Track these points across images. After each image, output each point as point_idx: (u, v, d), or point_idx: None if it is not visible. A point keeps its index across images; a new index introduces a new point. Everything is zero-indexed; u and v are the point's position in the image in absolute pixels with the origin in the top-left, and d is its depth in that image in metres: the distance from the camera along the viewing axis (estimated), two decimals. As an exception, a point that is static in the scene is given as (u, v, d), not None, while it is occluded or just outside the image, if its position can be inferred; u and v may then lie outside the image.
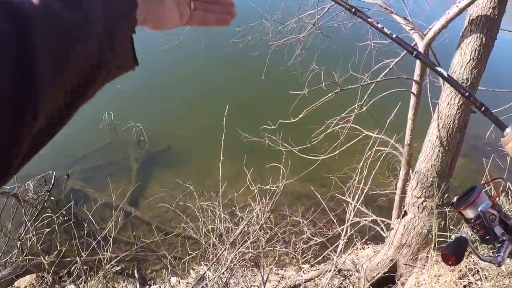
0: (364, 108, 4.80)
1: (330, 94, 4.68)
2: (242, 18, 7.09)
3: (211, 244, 4.95)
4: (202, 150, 7.84)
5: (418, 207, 4.31)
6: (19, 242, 5.12)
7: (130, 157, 7.85)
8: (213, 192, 5.72)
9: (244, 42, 6.86)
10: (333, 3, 5.11)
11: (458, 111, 3.80)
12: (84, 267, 4.90)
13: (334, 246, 4.85)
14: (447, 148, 4.01)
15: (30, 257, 5.09)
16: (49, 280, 4.99)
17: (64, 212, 5.67)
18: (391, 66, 5.01)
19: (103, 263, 4.90)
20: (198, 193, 5.84)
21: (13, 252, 5.25)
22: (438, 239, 4.22)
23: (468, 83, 3.61)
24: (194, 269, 5.56)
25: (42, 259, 4.91)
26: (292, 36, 6.21)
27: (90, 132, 8.10)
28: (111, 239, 5.09)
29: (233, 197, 5.70)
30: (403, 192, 4.77)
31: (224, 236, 5.08)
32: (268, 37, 6.46)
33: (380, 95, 4.55)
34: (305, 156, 5.49)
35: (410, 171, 4.71)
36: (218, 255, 4.73)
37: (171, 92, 9.63)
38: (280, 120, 5.37)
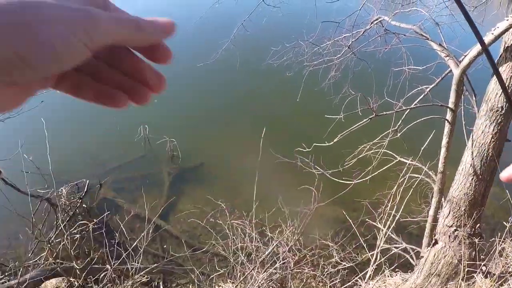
0: (398, 135, 4.89)
1: (365, 120, 4.76)
2: (278, 39, 7.35)
3: (240, 262, 5.11)
4: (234, 168, 8.02)
5: (449, 236, 4.36)
6: (48, 245, 5.39)
7: (162, 171, 8.11)
8: (244, 211, 5.90)
9: (279, 62, 7.06)
10: (369, 27, 5.30)
11: (493, 140, 3.84)
12: (113, 275, 5.13)
13: (363, 272, 4.92)
14: (480, 176, 4.05)
15: (60, 260, 5.38)
16: (78, 285, 5.25)
17: (96, 220, 5.94)
18: (426, 93, 5.10)
19: (131, 273, 5.12)
20: (229, 211, 6.01)
21: (42, 255, 5.57)
22: (468, 268, 4.25)
23: (503, 112, 3.68)
24: (221, 286, 5.67)
25: (75, 264, 5.16)
26: (327, 58, 6.38)
27: (125, 144, 8.47)
28: (141, 250, 5.31)
29: (264, 217, 5.84)
30: (435, 220, 4.80)
31: (253, 255, 5.23)
32: (304, 58, 6.64)
33: (415, 122, 4.63)
34: (337, 180, 5.59)
35: (443, 199, 4.76)
36: (246, 274, 4.85)
37: (206, 110, 9.89)
38: (314, 144, 5.48)
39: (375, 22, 5.88)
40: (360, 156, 5.46)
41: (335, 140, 5.13)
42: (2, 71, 0.40)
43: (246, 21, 6.52)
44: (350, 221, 5.46)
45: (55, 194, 6.22)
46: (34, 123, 6.74)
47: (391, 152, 5.23)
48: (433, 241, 4.55)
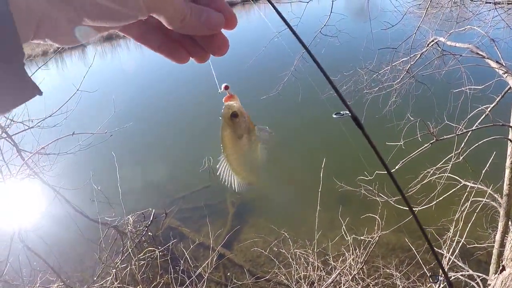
0: (461, 158, 4.77)
1: (426, 145, 4.71)
2: (337, 68, 7.43)
3: (302, 291, 5.10)
4: (298, 197, 8.04)
5: (519, 263, 4.14)
6: (114, 270, 5.66)
7: (226, 201, 8.29)
8: (307, 240, 5.93)
9: (340, 91, 7.11)
10: (426, 49, 5.26)
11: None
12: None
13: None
14: (549, 199, 3.87)
15: (125, 286, 5.63)
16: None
17: (162, 247, 6.16)
18: (486, 113, 4.94)
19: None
20: (292, 240, 6.04)
21: (107, 278, 5.86)
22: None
23: None
24: (284, 314, 5.70)
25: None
26: (386, 84, 6.37)
27: (190, 175, 8.80)
28: (205, 278, 5.45)
29: (327, 246, 5.83)
30: (501, 245, 4.58)
31: (315, 284, 5.21)
32: (363, 86, 6.67)
33: (476, 144, 4.51)
34: (401, 207, 5.48)
35: (510, 222, 4.54)
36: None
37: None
38: (376, 171, 5.44)
39: (431, 44, 5.83)
40: (424, 181, 5.35)
41: (396, 168, 5.07)
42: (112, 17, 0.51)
43: (305, 53, 6.65)
44: (414, 249, 5.31)
45: (122, 222, 6.57)
46: (102, 156, 7.22)
47: (455, 176, 5.08)
48: (500, 268, 4.31)
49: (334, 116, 1.28)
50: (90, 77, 5.65)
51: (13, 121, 4.97)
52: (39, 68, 5.13)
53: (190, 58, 0.68)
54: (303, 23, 6.06)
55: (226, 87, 0.99)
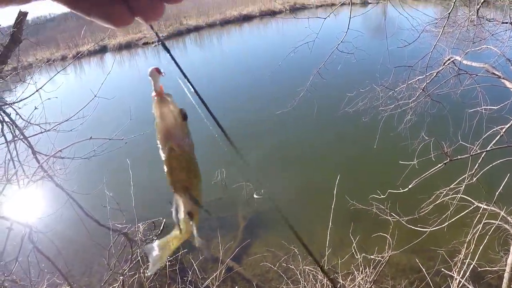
0: (475, 179, 4.70)
1: (439, 165, 4.66)
2: (353, 85, 7.43)
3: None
4: (309, 214, 8.00)
5: (531, 288, 4.04)
6: (121, 277, 5.68)
7: (238, 214, 8.28)
8: (317, 256, 5.85)
9: (355, 108, 7.11)
10: (442, 68, 5.23)
11: None
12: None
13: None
14: None
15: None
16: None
17: (171, 257, 6.16)
18: (501, 134, 4.87)
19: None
20: (302, 257, 6.00)
21: (114, 285, 5.90)
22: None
23: None
24: (290, 331, 5.64)
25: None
26: (402, 101, 6.35)
27: (203, 187, 8.78)
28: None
29: (337, 264, 5.77)
30: (513, 269, 4.48)
31: (323, 302, 5.17)
32: (379, 103, 6.65)
33: (491, 165, 4.44)
34: (413, 227, 5.42)
35: (522, 246, 4.45)
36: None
37: (283, 156, 10.08)
38: (389, 190, 5.40)
39: (447, 63, 5.81)
40: (437, 202, 5.28)
41: (409, 187, 5.03)
42: None
43: (321, 68, 6.67)
44: (424, 271, 5.22)
45: (132, 229, 6.59)
46: (116, 162, 7.29)
47: (468, 197, 4.99)
48: (511, 292, 4.22)
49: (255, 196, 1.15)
50: (107, 84, 5.74)
51: (30, 123, 5.06)
52: (58, 72, 5.22)
53: (135, 17, 0.55)
54: (320, 39, 6.08)
55: (159, 72, 0.74)
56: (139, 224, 6.82)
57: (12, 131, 4.83)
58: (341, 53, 6.25)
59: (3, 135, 4.83)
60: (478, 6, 5.53)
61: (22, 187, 4.85)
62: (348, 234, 5.92)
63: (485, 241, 4.80)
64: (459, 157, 4.63)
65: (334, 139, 10.19)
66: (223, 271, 6.08)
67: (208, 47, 27.51)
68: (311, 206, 8.16)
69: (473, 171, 4.71)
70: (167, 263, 6.00)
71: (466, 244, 4.70)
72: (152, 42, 27.94)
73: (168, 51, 0.76)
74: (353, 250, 5.76)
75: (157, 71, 0.73)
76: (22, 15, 4.75)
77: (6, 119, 4.73)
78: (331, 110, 8.73)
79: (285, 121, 10.19)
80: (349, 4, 5.82)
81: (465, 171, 4.82)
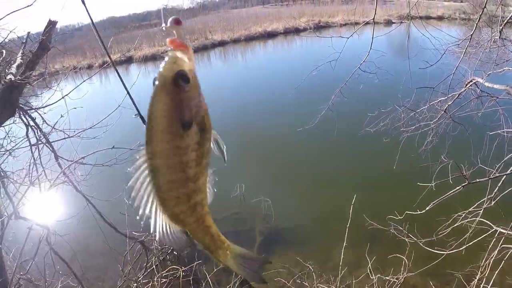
0: (493, 202, 4.65)
1: (457, 188, 4.64)
2: (375, 104, 7.44)
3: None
4: (326, 232, 7.97)
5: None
6: (135, 284, 5.74)
7: (255, 229, 8.29)
8: (332, 275, 5.87)
9: (376, 128, 7.11)
10: (464, 89, 5.23)
11: None
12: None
13: None
14: None
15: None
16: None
17: (185, 268, 6.21)
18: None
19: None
20: (317, 274, 5.99)
21: None
22: None
23: None
24: None
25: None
26: (423, 123, 6.33)
27: (222, 201, 8.85)
28: (225, 302, 5.45)
29: (351, 284, 5.75)
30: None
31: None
32: (400, 124, 6.64)
33: (510, 188, 4.40)
34: (430, 250, 5.36)
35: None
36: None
37: (302, 173, 10.08)
38: (406, 212, 5.37)
39: (469, 85, 5.79)
40: (455, 225, 5.22)
41: (426, 209, 5.01)
42: None
43: (343, 87, 6.72)
44: (440, 294, 5.16)
45: (149, 238, 6.67)
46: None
47: (486, 221, 4.93)
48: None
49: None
50: (132, 94, 5.88)
51: (55, 128, 5.22)
52: (84, 81, 5.39)
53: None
54: (342, 58, 6.14)
55: (177, 22, 0.64)
56: (156, 233, 6.87)
57: (37, 135, 4.99)
58: (363, 73, 6.30)
59: (28, 138, 5.00)
60: (501, 27, 5.52)
61: (43, 190, 4.99)
62: (364, 254, 5.89)
63: (502, 266, 4.72)
64: (478, 180, 4.59)
65: (354, 158, 10.15)
66: (237, 284, 6.08)
67: (233, 62, 27.81)
68: (328, 224, 8.13)
69: (493, 195, 4.66)
70: (181, 273, 6.04)
71: (482, 269, 4.62)
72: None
73: (117, 71, 0.77)
74: (369, 271, 5.73)
75: (177, 21, 0.64)
76: (51, 24, 4.91)
77: (31, 123, 4.90)
78: (352, 129, 8.74)
79: (305, 138, 10.22)
80: (372, 23, 5.88)
81: (485, 194, 4.78)
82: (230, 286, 5.85)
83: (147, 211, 0.56)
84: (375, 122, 7.18)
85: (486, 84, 5.54)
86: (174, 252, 7.31)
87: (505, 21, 5.42)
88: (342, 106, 7.26)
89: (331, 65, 6.32)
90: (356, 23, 23.53)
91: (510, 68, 5.79)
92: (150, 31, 34.52)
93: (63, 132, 5.36)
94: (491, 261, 4.60)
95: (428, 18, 26.25)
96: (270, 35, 33.38)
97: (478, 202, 4.88)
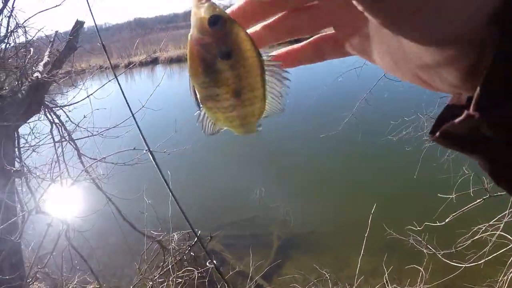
0: (515, 216, 4.57)
1: (478, 200, 4.59)
2: (398, 113, 7.38)
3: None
4: (344, 240, 7.92)
5: None
6: (151, 282, 5.81)
7: (273, 234, 8.30)
8: (348, 284, 5.85)
9: (399, 136, 7.06)
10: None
11: None
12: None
13: None
14: None
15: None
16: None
17: (202, 269, 6.26)
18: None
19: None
20: (333, 282, 5.98)
21: None
22: None
23: None
24: None
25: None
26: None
27: (241, 203, 8.93)
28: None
29: (367, 293, 5.72)
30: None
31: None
32: (423, 133, 6.57)
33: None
34: (448, 262, 5.29)
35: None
36: None
37: (322, 180, 10.04)
38: (426, 223, 5.31)
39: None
40: (475, 238, 5.14)
41: (446, 221, 4.96)
42: None
43: (368, 95, 6.68)
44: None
45: (167, 238, 6.75)
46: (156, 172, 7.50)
47: (507, 235, 4.84)
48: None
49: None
50: (156, 95, 5.97)
51: (79, 126, 5.34)
52: (109, 81, 5.49)
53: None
54: (367, 65, 6.12)
55: None
56: (173, 234, 6.96)
57: (61, 133, 5.12)
58: (389, 81, 6.26)
59: (52, 135, 5.12)
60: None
61: (65, 186, 5.11)
62: (381, 263, 5.84)
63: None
64: (499, 193, 4.52)
65: (375, 167, 10.06)
66: (252, 288, 6.13)
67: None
68: (346, 232, 8.08)
69: (514, 208, 4.59)
70: (197, 274, 6.10)
71: (499, 284, 4.54)
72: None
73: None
74: (385, 281, 5.68)
75: None
76: (79, 24, 5.03)
77: (56, 120, 5.03)
78: (374, 137, 8.68)
79: (327, 145, 10.19)
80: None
81: (506, 207, 4.70)
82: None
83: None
84: (397, 130, 7.12)
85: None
86: (191, 253, 7.38)
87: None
88: (364, 113, 7.23)
89: (356, 72, 6.32)
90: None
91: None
92: (176, 33, 34.85)
93: (87, 130, 5.48)
94: (510, 277, 4.51)
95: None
96: (296, 41, 33.30)
97: (499, 216, 4.80)
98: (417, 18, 0.33)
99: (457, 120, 0.35)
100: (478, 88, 0.33)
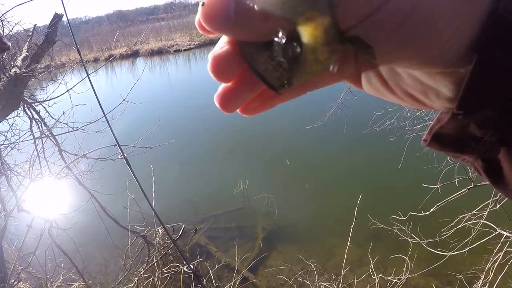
0: (499, 205, 4.63)
1: (463, 190, 4.64)
2: (380, 104, 7.42)
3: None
4: (329, 231, 7.97)
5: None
6: (136, 278, 5.79)
7: (257, 225, 8.31)
8: (334, 274, 5.91)
9: (382, 127, 7.10)
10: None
11: None
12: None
13: None
14: None
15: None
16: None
17: (188, 264, 6.26)
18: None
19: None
20: (318, 272, 6.02)
21: (129, 285, 6.04)
22: None
23: None
24: None
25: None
26: (429, 122, 6.30)
27: (224, 196, 8.92)
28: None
29: (353, 283, 5.79)
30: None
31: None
32: (406, 123, 6.61)
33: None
34: (433, 250, 5.36)
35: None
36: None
37: (306, 171, 10.07)
38: (410, 212, 5.36)
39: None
40: (459, 226, 5.22)
41: (431, 210, 5.00)
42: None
43: (352, 87, 6.69)
44: (442, 295, 5.17)
45: (151, 233, 6.72)
46: (141, 166, 7.47)
47: (490, 224, 4.92)
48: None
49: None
50: (137, 88, 5.89)
51: (59, 121, 5.25)
52: (89, 74, 5.39)
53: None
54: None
55: None
56: (158, 228, 6.93)
57: (41, 129, 5.03)
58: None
59: (32, 132, 5.03)
60: None
61: (46, 183, 5.03)
62: (366, 253, 5.90)
63: (505, 270, 4.72)
64: (483, 183, 4.55)
65: (359, 157, 10.13)
66: (238, 281, 6.12)
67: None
68: (331, 223, 8.14)
69: (498, 197, 4.65)
70: (183, 269, 6.09)
71: (485, 273, 4.63)
72: (184, 50, 28.39)
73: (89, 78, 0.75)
74: (370, 270, 5.75)
75: None
76: (57, 17, 4.93)
77: (35, 116, 4.93)
78: (358, 128, 8.72)
79: (311, 136, 10.21)
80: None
81: (489, 196, 4.77)
82: (231, 284, 5.87)
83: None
84: (381, 121, 7.16)
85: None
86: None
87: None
88: (348, 104, 7.26)
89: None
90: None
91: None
92: (157, 25, 34.51)
93: (67, 125, 5.39)
94: (495, 265, 4.59)
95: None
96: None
97: (483, 204, 4.87)
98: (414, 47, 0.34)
99: (445, 120, 0.40)
100: (462, 88, 0.35)
